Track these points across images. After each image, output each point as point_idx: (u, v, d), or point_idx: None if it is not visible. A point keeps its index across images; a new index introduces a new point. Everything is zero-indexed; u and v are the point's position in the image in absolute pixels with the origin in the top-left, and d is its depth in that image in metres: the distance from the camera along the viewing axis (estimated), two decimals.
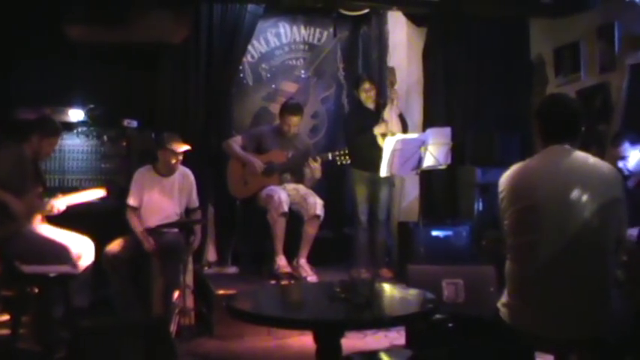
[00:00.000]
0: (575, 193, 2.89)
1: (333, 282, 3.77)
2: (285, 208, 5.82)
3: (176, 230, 5.53)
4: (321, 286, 4.87)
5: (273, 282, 5.72)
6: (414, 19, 7.32)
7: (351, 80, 7.42)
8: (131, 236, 5.34)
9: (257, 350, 5.04)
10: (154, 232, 5.35)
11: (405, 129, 6.19)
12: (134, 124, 6.14)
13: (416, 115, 7.18)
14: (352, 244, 6.49)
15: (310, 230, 5.93)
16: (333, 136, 7.58)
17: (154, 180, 5.55)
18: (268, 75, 7.51)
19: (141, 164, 5.70)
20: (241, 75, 7.31)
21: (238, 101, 7.28)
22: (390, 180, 6.31)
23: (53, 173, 5.93)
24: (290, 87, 7.56)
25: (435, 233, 6.15)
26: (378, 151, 5.84)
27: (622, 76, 6.07)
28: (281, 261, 5.87)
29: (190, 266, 5.61)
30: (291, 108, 6.24)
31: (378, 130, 6.03)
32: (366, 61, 7.75)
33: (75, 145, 6.05)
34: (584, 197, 2.89)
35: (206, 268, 6.43)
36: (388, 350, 4.74)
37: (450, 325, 4.04)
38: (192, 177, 5.71)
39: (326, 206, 5.96)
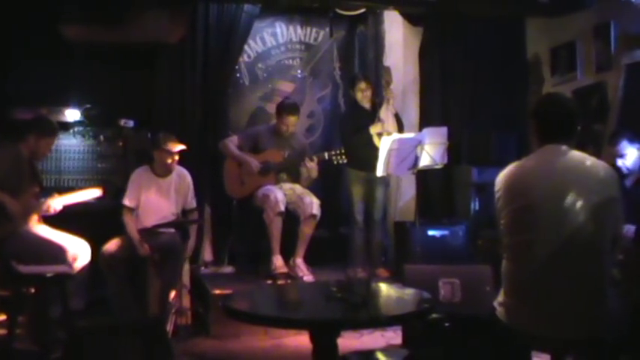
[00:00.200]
0: (571, 193, 2.90)
1: (329, 282, 3.78)
2: (282, 208, 5.82)
3: (172, 230, 5.52)
4: (318, 285, 4.88)
5: (269, 282, 5.72)
6: (410, 18, 7.33)
7: (347, 80, 7.40)
8: (128, 236, 5.34)
9: (253, 350, 5.03)
10: (151, 232, 5.35)
11: (400, 128, 6.21)
12: (131, 123, 6.14)
13: (412, 114, 7.19)
14: (348, 244, 6.49)
15: (306, 230, 5.93)
16: (329, 135, 7.57)
17: (151, 180, 5.54)
18: (265, 75, 7.50)
19: (137, 164, 5.70)
20: (238, 75, 7.30)
21: (235, 101, 7.27)
22: (385, 180, 6.31)
23: (50, 173, 5.92)
24: (286, 86, 7.55)
25: (431, 233, 6.15)
26: (374, 150, 5.84)
27: (618, 75, 6.07)
28: (277, 261, 5.87)
29: (187, 266, 5.62)
30: (289, 108, 6.24)
31: (374, 130, 6.05)
32: (362, 60, 7.75)
33: (71, 145, 6.05)
34: (580, 197, 2.89)
35: (202, 267, 6.43)
36: (385, 350, 4.76)
37: (447, 324, 4.05)
38: (189, 178, 5.70)
39: (322, 206, 5.96)
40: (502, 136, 6.78)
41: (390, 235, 6.80)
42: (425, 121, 6.92)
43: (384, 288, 4.03)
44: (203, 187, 6.29)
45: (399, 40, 7.44)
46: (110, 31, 6.20)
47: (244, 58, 7.31)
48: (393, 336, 5.02)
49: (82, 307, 4.88)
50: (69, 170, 6.02)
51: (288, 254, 5.97)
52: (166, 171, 5.56)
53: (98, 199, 5.24)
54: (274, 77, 7.53)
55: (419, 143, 5.66)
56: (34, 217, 4.82)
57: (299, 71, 7.63)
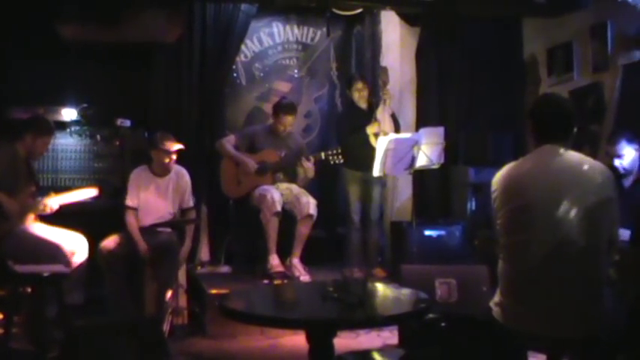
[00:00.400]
0: (567, 193, 2.90)
1: (326, 281, 3.77)
2: (278, 208, 5.82)
3: (169, 230, 5.52)
4: (314, 285, 4.87)
5: (266, 281, 5.72)
6: (407, 18, 7.34)
7: (344, 80, 7.42)
8: (126, 233, 5.34)
9: (250, 350, 5.03)
10: (148, 231, 5.35)
11: (397, 129, 6.21)
12: (127, 123, 6.12)
13: (409, 114, 7.20)
14: (345, 244, 6.49)
15: (303, 230, 5.93)
16: (326, 135, 7.58)
17: (149, 180, 5.54)
18: (261, 74, 7.50)
19: (134, 164, 5.70)
20: (234, 74, 7.31)
21: (231, 101, 7.28)
22: (382, 180, 6.32)
23: (46, 172, 5.92)
24: (283, 86, 7.55)
25: (427, 233, 6.16)
26: (370, 150, 5.85)
27: (615, 75, 6.08)
28: (274, 260, 5.87)
29: (183, 266, 5.61)
30: (286, 107, 6.23)
31: (370, 130, 6.04)
32: (359, 60, 7.75)
33: (68, 145, 6.04)
34: (577, 197, 2.89)
35: (199, 267, 6.42)
36: (381, 350, 4.76)
37: (443, 324, 4.03)
38: (187, 177, 5.69)
39: (319, 206, 5.97)
40: (499, 136, 6.78)
41: (386, 235, 6.80)
42: (421, 121, 6.93)
43: (380, 288, 4.03)
44: (200, 187, 6.28)
45: (395, 40, 7.43)
46: (107, 31, 6.19)
47: (241, 57, 7.31)
48: (390, 336, 5.02)
49: (79, 303, 4.87)
50: (65, 170, 6.01)
51: (284, 254, 5.97)
52: (164, 170, 5.56)
53: (95, 198, 5.24)
54: (271, 77, 7.53)
55: (415, 143, 5.67)
56: (31, 217, 4.82)
57: (296, 71, 7.64)
